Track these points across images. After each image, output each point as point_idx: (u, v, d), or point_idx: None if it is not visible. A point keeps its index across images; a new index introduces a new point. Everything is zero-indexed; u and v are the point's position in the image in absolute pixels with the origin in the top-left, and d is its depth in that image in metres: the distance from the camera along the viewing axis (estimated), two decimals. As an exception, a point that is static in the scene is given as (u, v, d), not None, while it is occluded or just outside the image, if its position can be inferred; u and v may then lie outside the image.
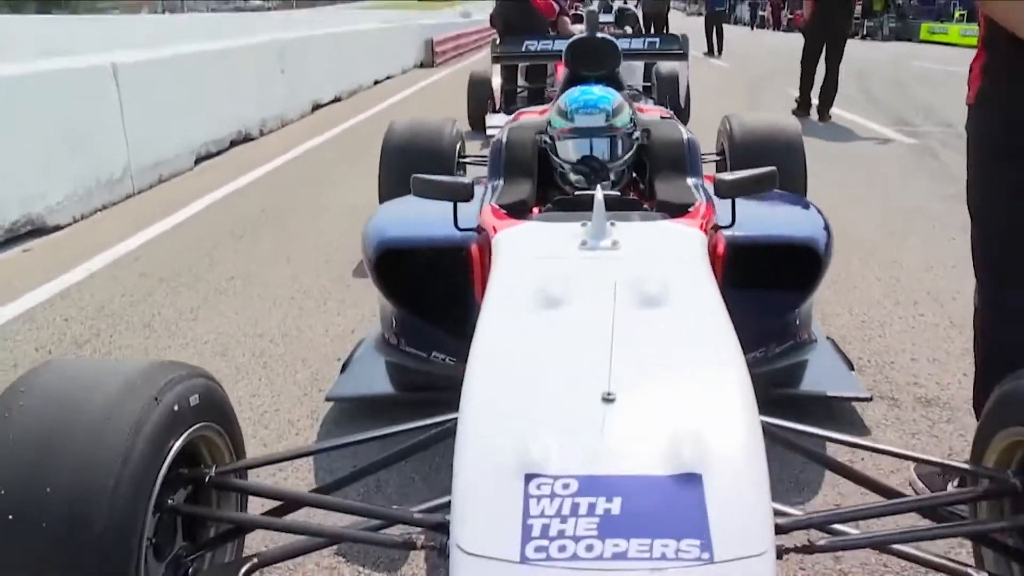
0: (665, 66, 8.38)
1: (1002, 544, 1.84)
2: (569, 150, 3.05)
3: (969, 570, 1.75)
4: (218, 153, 8.04)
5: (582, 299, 2.03)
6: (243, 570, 1.77)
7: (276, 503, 2.03)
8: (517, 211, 2.83)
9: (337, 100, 11.64)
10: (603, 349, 1.78)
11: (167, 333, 3.96)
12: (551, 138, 3.12)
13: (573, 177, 3.06)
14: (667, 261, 2.30)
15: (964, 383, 3.22)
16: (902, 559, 1.93)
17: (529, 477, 1.48)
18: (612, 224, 2.39)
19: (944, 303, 4.01)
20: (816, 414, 3.00)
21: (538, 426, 1.60)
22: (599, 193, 2.42)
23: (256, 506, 2.13)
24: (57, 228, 5.64)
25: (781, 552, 1.61)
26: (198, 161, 7.63)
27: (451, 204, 2.72)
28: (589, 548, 1.35)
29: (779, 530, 1.66)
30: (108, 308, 4.29)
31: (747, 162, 4.33)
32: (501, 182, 3.17)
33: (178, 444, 1.72)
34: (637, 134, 3.17)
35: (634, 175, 3.23)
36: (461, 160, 5.00)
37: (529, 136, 3.28)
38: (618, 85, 3.68)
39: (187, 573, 1.84)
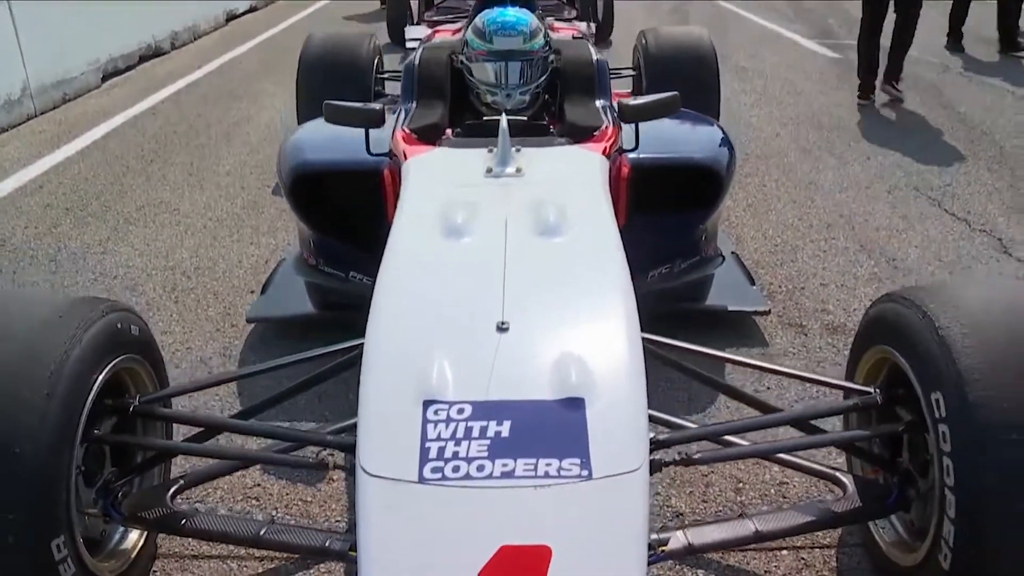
0: None
1: (868, 451, 2.00)
2: (486, 71, 3.02)
3: (838, 474, 1.96)
4: (127, 69, 7.65)
5: (484, 228, 2.08)
6: (170, 492, 1.93)
7: (198, 429, 2.12)
8: (428, 135, 2.82)
9: (253, 9, 11.13)
10: (500, 279, 1.86)
11: (74, 268, 3.83)
12: (467, 58, 3.07)
13: (489, 98, 3.04)
14: (568, 187, 2.36)
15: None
16: (778, 465, 2.18)
17: (428, 403, 1.59)
18: (518, 150, 2.47)
19: (855, 226, 4.09)
20: (721, 330, 3.12)
21: (437, 354, 1.68)
22: (504, 121, 2.45)
23: (181, 433, 2.19)
24: (-49, 154, 5.36)
25: (660, 465, 1.76)
26: (105, 78, 7.26)
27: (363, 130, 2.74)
28: (480, 468, 1.48)
29: (660, 445, 1.80)
30: (10, 242, 4.12)
31: (661, 77, 4.39)
32: (414, 104, 3.13)
33: (101, 377, 1.80)
34: (551, 57, 3.14)
35: (547, 97, 3.20)
36: (379, 76, 4.87)
37: (443, 57, 3.22)
38: (531, 5, 3.60)
39: (117, 497, 1.92)
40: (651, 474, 1.70)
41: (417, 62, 3.26)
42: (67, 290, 3.61)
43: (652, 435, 1.79)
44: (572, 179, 2.41)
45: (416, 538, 1.43)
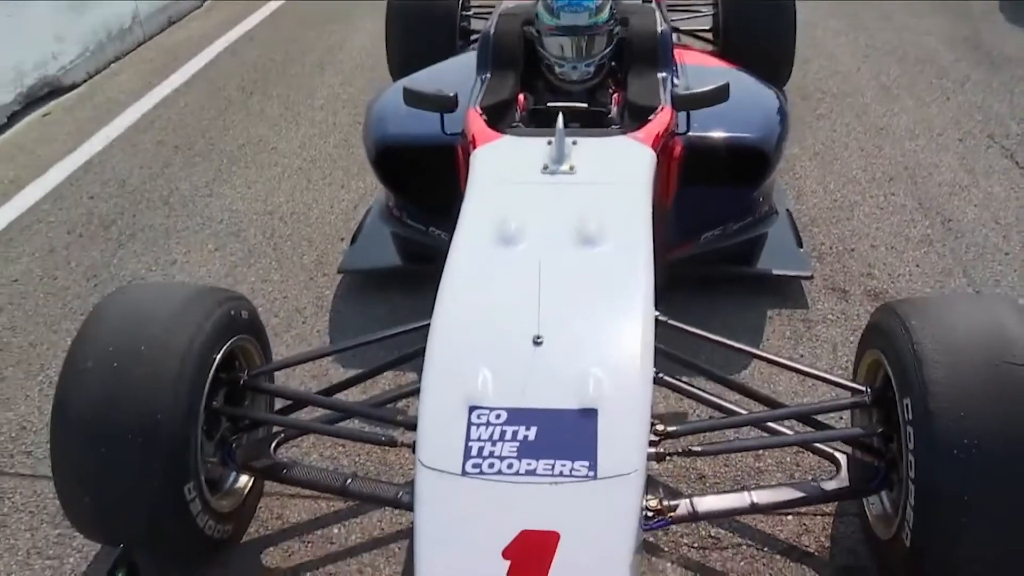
0: None
1: (866, 444, 2.25)
2: (554, 45, 3.22)
3: (836, 454, 2.26)
4: (225, -13, 7.95)
5: (532, 236, 2.38)
6: (272, 444, 2.41)
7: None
8: (499, 113, 3.06)
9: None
10: (539, 292, 2.15)
11: (185, 212, 4.27)
12: (538, 32, 3.26)
13: (558, 70, 3.25)
14: (615, 187, 2.62)
15: (914, 275, 3.48)
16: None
17: (472, 408, 1.95)
18: (574, 143, 2.72)
19: (918, 180, 4.17)
20: (767, 291, 3.37)
21: (482, 365, 2.02)
22: (560, 120, 2.69)
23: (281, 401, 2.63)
24: (73, 87, 5.82)
25: (665, 456, 2.12)
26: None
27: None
28: (510, 466, 1.84)
29: (667, 436, 2.14)
30: (129, 183, 4.58)
31: (738, 15, 4.59)
32: (488, 75, 3.37)
33: (219, 356, 2.27)
34: (617, 29, 3.31)
35: (613, 64, 3.38)
36: (465, 13, 5.06)
37: (516, 28, 3.43)
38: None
39: (232, 448, 2.41)
40: (658, 463, 2.12)
41: (492, 32, 3.47)
42: (178, 234, 4.06)
43: (662, 427, 2.13)
44: (619, 178, 2.65)
45: (457, 519, 1.80)
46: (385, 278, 3.56)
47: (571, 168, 2.63)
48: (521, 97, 3.37)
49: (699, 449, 2.21)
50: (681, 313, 3.17)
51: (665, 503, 2.07)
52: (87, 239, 4.11)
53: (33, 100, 5.53)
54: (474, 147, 2.89)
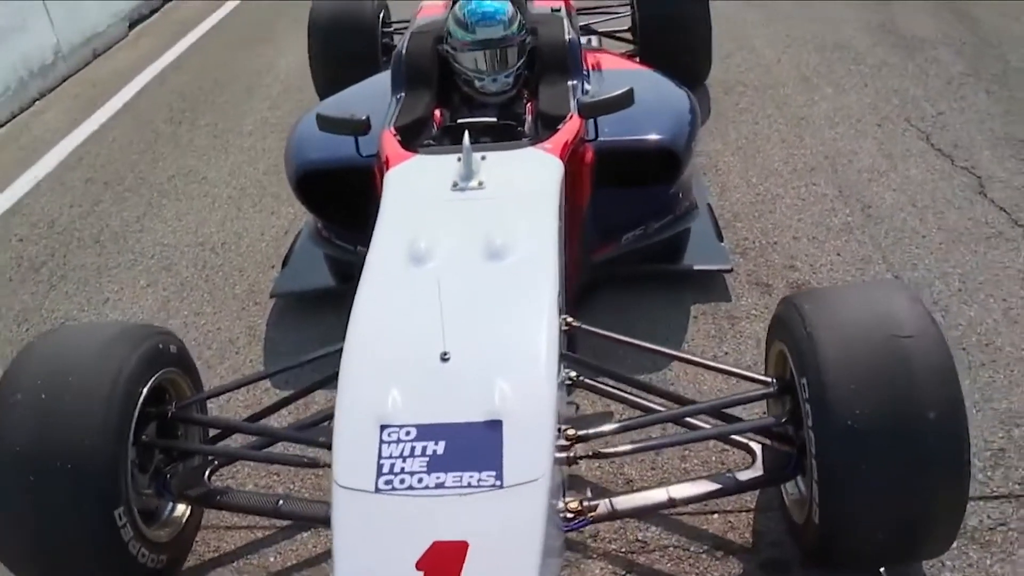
0: None
1: (779, 434, 2.32)
2: (471, 60, 3.29)
3: (751, 444, 2.34)
4: (151, 14, 7.88)
5: (442, 253, 2.42)
6: (206, 472, 2.46)
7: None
8: (411, 135, 3.10)
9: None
10: (448, 309, 2.18)
11: (116, 249, 4.25)
12: (453, 48, 3.31)
13: (477, 83, 3.31)
14: (523, 200, 2.67)
15: (835, 264, 3.57)
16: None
17: (383, 427, 1.99)
18: (483, 158, 2.77)
19: (839, 168, 4.26)
20: (691, 285, 3.45)
21: (392, 384, 2.07)
22: (466, 138, 2.74)
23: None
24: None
25: (573, 460, 2.18)
26: (132, 26, 7.52)
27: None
28: (420, 480, 1.89)
29: (579, 440, 2.21)
30: (59, 223, 4.55)
31: (653, 15, 4.74)
32: (403, 94, 3.41)
33: (146, 389, 2.32)
34: (528, 39, 3.37)
35: (526, 72, 3.43)
36: (385, 30, 5.11)
37: (428, 46, 3.47)
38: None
39: (167, 478, 2.46)
40: (570, 466, 2.18)
41: (404, 51, 3.51)
42: (109, 272, 4.04)
43: (572, 432, 2.19)
44: (528, 190, 2.70)
45: (372, 534, 1.85)
46: (318, 300, 3.57)
47: (480, 184, 2.68)
48: (438, 114, 3.42)
49: (609, 450, 2.30)
50: (607, 313, 3.33)
51: (585, 504, 2.15)
52: (16, 283, 4.07)
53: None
54: (387, 168, 2.93)
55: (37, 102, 6.17)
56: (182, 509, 2.54)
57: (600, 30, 5.33)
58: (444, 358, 2.09)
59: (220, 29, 7.46)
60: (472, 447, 1.92)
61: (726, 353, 3.16)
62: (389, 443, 1.95)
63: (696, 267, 3.47)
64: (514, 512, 1.84)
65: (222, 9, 7.94)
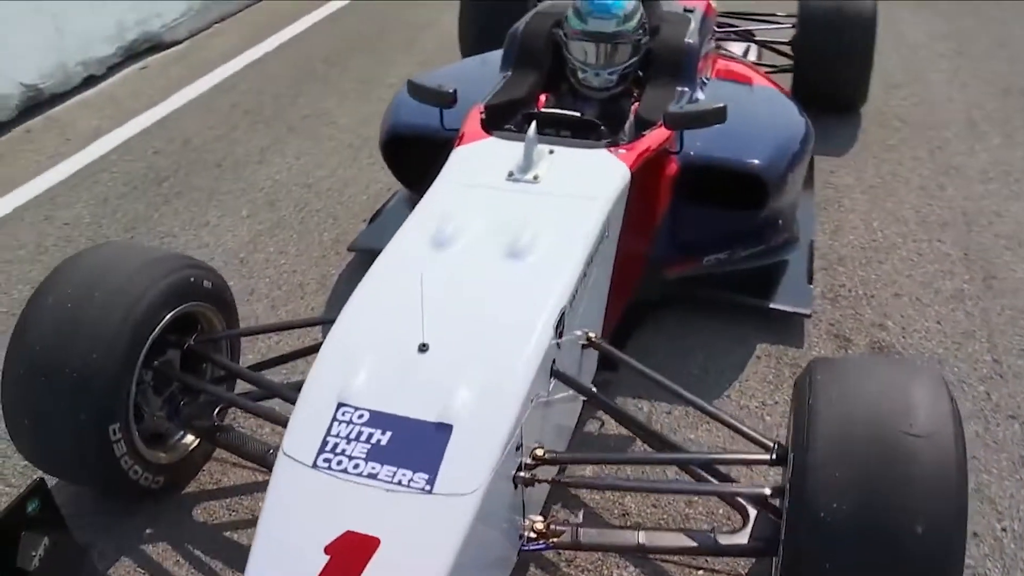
0: None
1: (770, 503, 2.10)
2: (579, 50, 3.20)
3: (748, 507, 2.14)
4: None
5: (465, 242, 2.37)
6: (216, 409, 2.55)
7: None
8: (505, 113, 3.04)
9: None
10: (444, 300, 2.14)
11: (233, 176, 4.46)
12: (565, 34, 3.24)
13: (580, 75, 3.21)
14: (572, 201, 2.56)
15: (930, 333, 3.25)
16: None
17: (340, 405, 1.98)
18: (551, 151, 2.70)
19: (974, 229, 3.86)
20: (766, 321, 3.25)
21: (363, 362, 2.05)
22: (531, 130, 2.67)
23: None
24: (175, 44, 6.13)
25: (530, 481, 2.05)
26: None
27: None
28: (356, 466, 1.87)
29: (542, 462, 2.08)
30: (192, 142, 4.81)
31: (815, 32, 4.47)
32: (510, 73, 3.38)
33: (170, 315, 2.43)
34: (645, 39, 3.24)
35: (640, 73, 3.31)
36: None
37: (545, 28, 3.42)
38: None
39: (180, 405, 2.58)
40: (525, 487, 2.06)
41: (520, 30, 3.47)
42: (219, 198, 4.25)
43: (541, 451, 2.09)
44: (582, 192, 2.59)
45: (296, 508, 1.86)
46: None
47: (535, 178, 2.61)
48: (543, 98, 3.36)
49: (569, 480, 2.19)
50: (666, 333, 3.19)
51: (552, 527, 2.08)
52: (139, 192, 4.35)
53: (135, 54, 5.86)
54: (459, 144, 2.90)
55: (216, 25, 6.52)
56: (190, 438, 2.66)
57: (760, 38, 5.08)
58: (422, 349, 2.04)
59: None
60: (415, 446, 1.88)
61: (776, 403, 2.95)
62: (340, 422, 1.94)
63: (772, 305, 3.25)
64: (436, 521, 1.79)
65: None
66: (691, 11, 3.65)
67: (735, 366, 3.10)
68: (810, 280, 3.37)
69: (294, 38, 6.28)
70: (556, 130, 2.93)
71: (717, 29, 4.96)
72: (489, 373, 2.01)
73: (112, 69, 5.67)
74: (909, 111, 4.93)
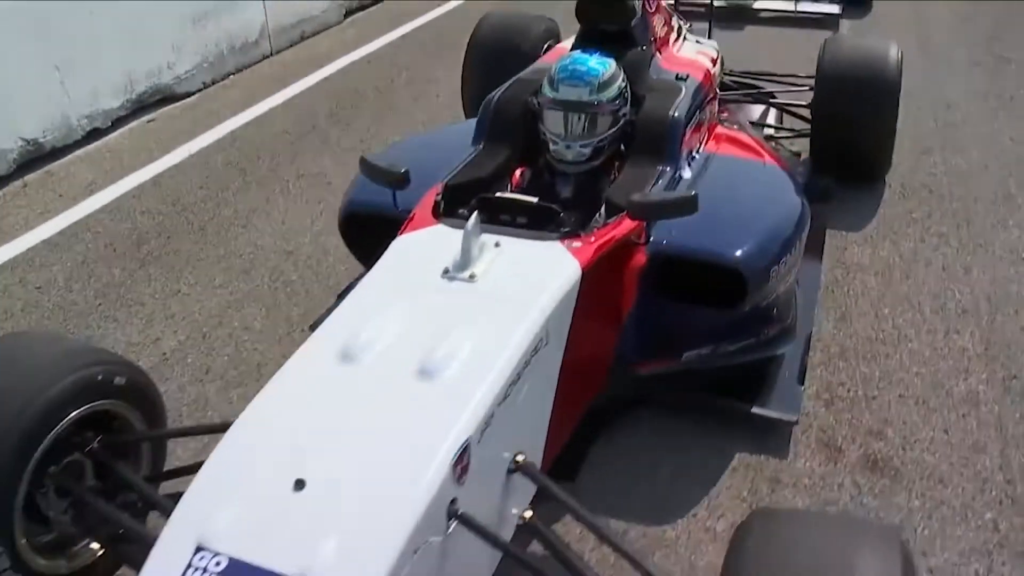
0: None
1: None
2: (551, 121, 2.98)
3: None
4: (372, 4, 8.07)
5: (374, 358, 2.12)
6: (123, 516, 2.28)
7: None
8: (463, 195, 2.81)
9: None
10: (336, 428, 1.93)
11: (214, 240, 4.31)
12: (539, 104, 3.02)
13: (552, 148, 2.99)
14: (505, 306, 2.30)
15: (935, 445, 2.91)
16: None
17: (198, 548, 1.73)
18: (497, 244, 2.46)
19: (997, 320, 3.50)
20: (742, 431, 2.95)
21: (234, 498, 1.81)
22: (472, 221, 2.40)
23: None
24: (187, 95, 6.07)
25: None
26: (348, 14, 7.74)
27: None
28: None
29: None
30: (182, 202, 4.69)
31: (833, 95, 4.16)
32: (480, 147, 3.17)
33: (76, 413, 2.23)
34: (625, 109, 3.00)
35: (622, 147, 3.06)
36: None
37: (523, 97, 3.19)
38: (631, 41, 3.36)
39: (83, 510, 2.33)
40: None
41: (496, 98, 3.25)
42: (193, 266, 4.10)
43: None
44: (522, 296, 2.33)
45: None
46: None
47: (471, 276, 2.35)
48: (518, 174, 3.13)
49: None
50: (635, 438, 2.91)
51: None
52: (118, 255, 4.22)
53: (144, 107, 5.80)
54: (404, 230, 2.69)
55: (232, 76, 6.46)
56: (96, 547, 2.43)
57: (779, 100, 4.80)
58: (298, 486, 1.79)
59: (426, 28, 7.50)
60: None
61: (747, 526, 2.63)
62: (195, 568, 1.70)
63: (755, 410, 2.94)
64: None
65: (442, 7, 7.99)
66: (684, 79, 3.39)
67: (707, 480, 2.79)
68: (802, 380, 3.04)
69: (305, 91, 6.18)
70: (512, 216, 2.69)
71: (730, 91, 4.71)
72: (365, 518, 1.75)
73: (119, 122, 5.61)
74: (939, 179, 4.57)
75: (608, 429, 2.92)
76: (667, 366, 2.97)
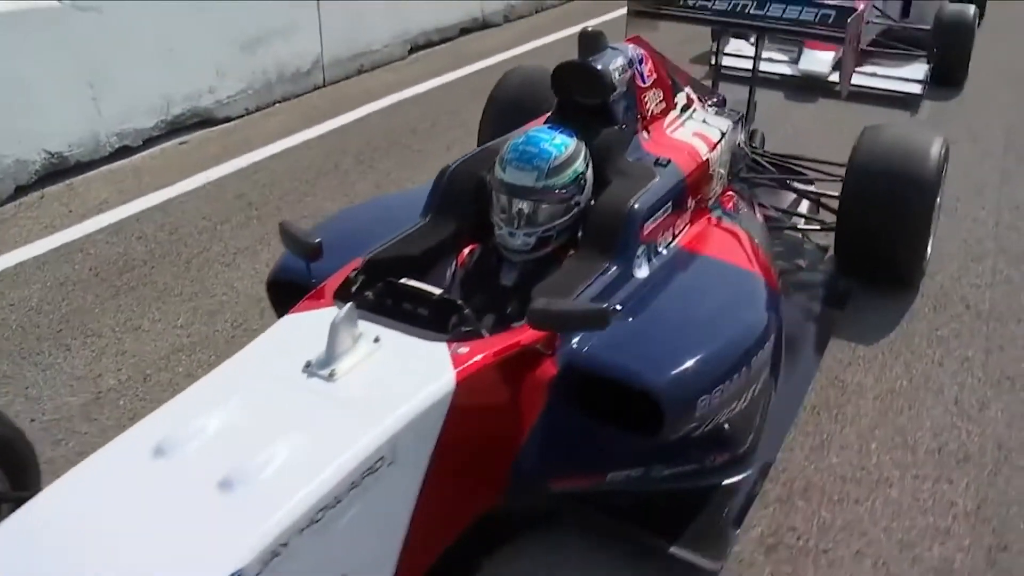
0: (954, 8, 6.96)
1: None
2: (497, 204, 2.74)
3: None
4: (441, 42, 7.99)
5: (185, 456, 1.90)
6: None
7: None
8: (380, 273, 2.57)
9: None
10: (111, 536, 1.72)
11: (192, 277, 4.20)
12: (490, 182, 2.80)
13: (496, 231, 2.75)
14: (355, 414, 2.04)
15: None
16: None
17: None
18: (376, 340, 2.21)
19: (1004, 471, 3.02)
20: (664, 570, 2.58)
21: None
22: (344, 311, 2.15)
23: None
24: (227, 120, 6.06)
25: None
26: (413, 51, 7.67)
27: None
28: None
29: None
30: (180, 231, 4.62)
31: (862, 191, 3.80)
32: (428, 219, 2.94)
33: None
34: (579, 197, 2.72)
35: (573, 235, 2.78)
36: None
37: (478, 172, 2.95)
38: (609, 117, 3.06)
39: None
40: None
41: (452, 168, 3.03)
42: (168, 300, 4.00)
43: None
44: (374, 403, 2.07)
45: None
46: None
47: (331, 374, 2.10)
48: (467, 251, 2.89)
49: None
50: (532, 559, 2.58)
51: None
52: (99, 280, 4.17)
53: (181, 128, 5.82)
54: (295, 308, 2.47)
55: (278, 104, 6.44)
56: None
57: (809, 188, 4.42)
58: None
59: (488, 72, 7.32)
60: None
61: None
62: None
63: (674, 550, 2.57)
64: None
65: (510, 51, 7.84)
66: (664, 164, 3.06)
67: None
68: (740, 520, 2.67)
69: (342, 127, 6.09)
70: (414, 306, 2.45)
71: (761, 173, 4.36)
72: None
73: (151, 141, 5.63)
74: (981, 293, 4.08)
75: (508, 546, 2.61)
76: (588, 485, 2.67)
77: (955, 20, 6.83)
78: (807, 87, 6.65)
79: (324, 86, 6.81)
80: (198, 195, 5.04)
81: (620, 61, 3.11)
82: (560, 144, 2.72)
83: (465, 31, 8.29)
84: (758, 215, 3.74)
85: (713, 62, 5.01)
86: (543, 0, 9.41)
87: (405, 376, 2.17)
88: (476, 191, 2.94)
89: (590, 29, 3.12)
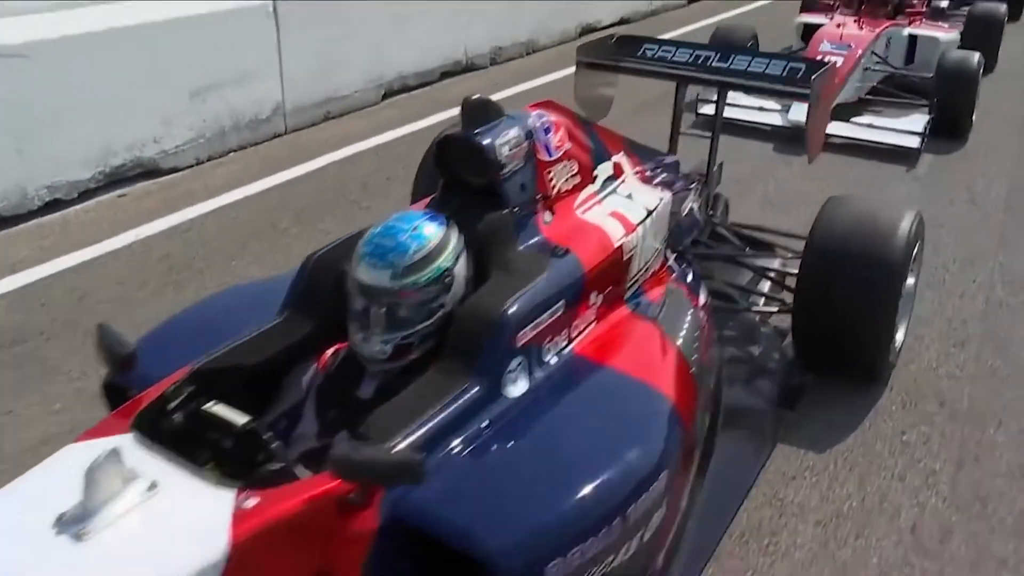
0: (957, 55, 6.53)
1: None
2: (352, 305, 2.31)
3: None
4: (419, 87, 7.66)
5: None
6: None
7: None
8: (205, 386, 2.19)
9: (624, 21, 10.49)
10: None
11: (87, 355, 3.63)
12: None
13: (350, 336, 2.32)
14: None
15: None
16: None
17: None
18: (151, 487, 1.81)
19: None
20: None
21: None
22: (103, 455, 1.76)
23: None
24: (174, 171, 5.76)
25: None
26: (387, 96, 7.34)
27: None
28: None
29: None
30: (88, 300, 4.27)
31: (820, 271, 3.39)
32: (283, 317, 2.51)
33: None
34: (443, 299, 2.30)
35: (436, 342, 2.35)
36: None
37: (337, 267, 2.51)
38: (499, 199, 2.65)
39: None
40: None
41: (312, 260, 2.60)
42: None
43: None
44: (139, 566, 1.68)
45: None
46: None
47: (79, 534, 1.70)
48: (330, 353, 2.47)
49: None
50: None
51: None
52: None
53: (122, 179, 5.51)
54: (83, 435, 2.08)
55: (233, 153, 6.13)
56: None
57: (770, 265, 4.00)
58: None
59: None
60: None
61: None
62: None
63: None
64: None
65: (492, 95, 7.46)
66: (562, 255, 2.63)
67: None
68: None
69: (293, 180, 5.74)
70: (219, 438, 2.05)
71: (715, 246, 3.95)
72: None
73: (88, 194, 5.33)
74: (960, 387, 3.60)
75: None
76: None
77: (957, 67, 6.38)
78: (798, 138, 6.21)
79: (285, 133, 6.50)
80: (121, 256, 4.71)
81: (513, 133, 2.69)
82: (419, 236, 2.28)
83: (446, 74, 7.95)
84: (701, 299, 3.27)
85: (672, 118, 4.61)
86: (532, 43, 9.07)
87: (172, 537, 1.77)
88: (337, 286, 2.50)
89: (475, 97, 2.73)
